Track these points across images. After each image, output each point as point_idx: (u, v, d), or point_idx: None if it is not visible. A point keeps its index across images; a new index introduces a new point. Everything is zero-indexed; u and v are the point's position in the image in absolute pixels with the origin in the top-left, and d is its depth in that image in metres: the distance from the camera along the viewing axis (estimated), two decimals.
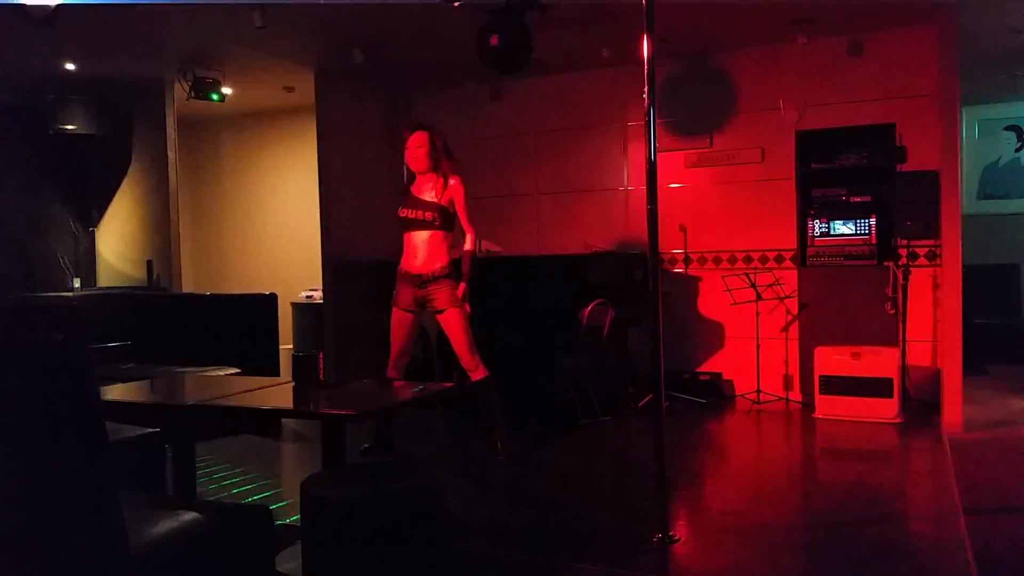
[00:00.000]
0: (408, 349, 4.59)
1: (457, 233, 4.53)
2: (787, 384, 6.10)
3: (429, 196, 4.43)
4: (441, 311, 4.42)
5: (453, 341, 4.47)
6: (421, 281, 4.43)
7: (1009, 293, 7.69)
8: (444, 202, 4.41)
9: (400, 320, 4.55)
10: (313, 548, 2.44)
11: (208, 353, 5.41)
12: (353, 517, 2.36)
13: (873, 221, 5.73)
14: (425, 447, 5.09)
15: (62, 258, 7.15)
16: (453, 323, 4.42)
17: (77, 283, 7.09)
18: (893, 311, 5.60)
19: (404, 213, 4.48)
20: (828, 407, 5.48)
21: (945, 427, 4.97)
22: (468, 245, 4.46)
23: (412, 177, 4.52)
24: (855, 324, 5.72)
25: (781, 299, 6.05)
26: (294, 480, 4.16)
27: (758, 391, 6.01)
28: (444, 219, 4.42)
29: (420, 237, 4.43)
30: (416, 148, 4.43)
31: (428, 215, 4.41)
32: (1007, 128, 7.93)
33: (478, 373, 4.46)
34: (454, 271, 4.44)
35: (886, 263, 5.65)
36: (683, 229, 6.42)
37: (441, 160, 4.45)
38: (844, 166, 5.86)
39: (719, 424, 5.67)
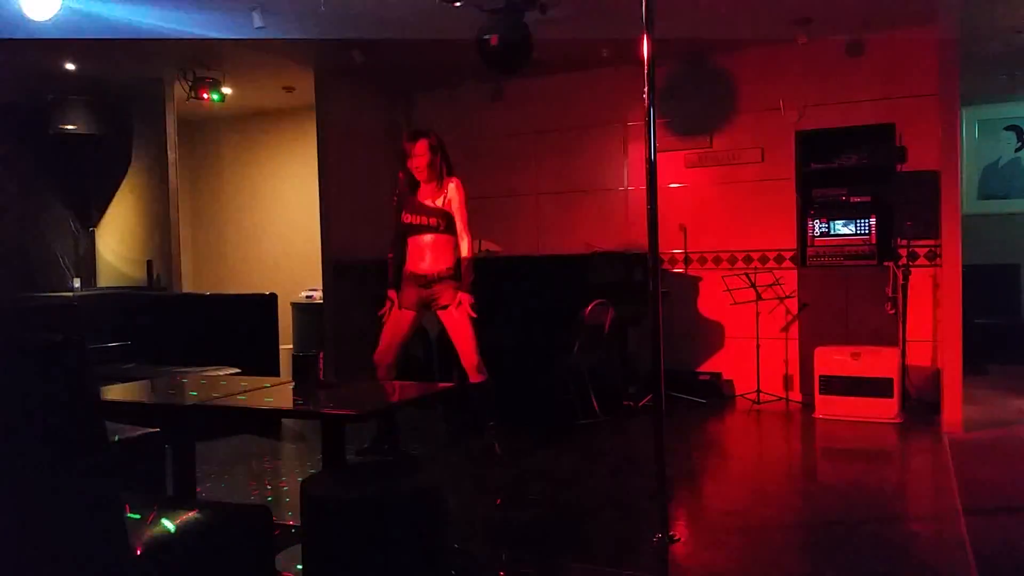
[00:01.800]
0: (396, 348, 4.57)
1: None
2: (787, 384, 6.10)
3: (432, 202, 4.49)
4: (445, 307, 4.47)
5: (458, 339, 4.48)
6: (427, 281, 4.49)
7: (1009, 293, 7.69)
8: (447, 207, 4.48)
9: (399, 317, 4.56)
10: (313, 548, 2.44)
11: (208, 353, 5.41)
12: (353, 517, 2.36)
13: (873, 221, 5.73)
14: (425, 447, 5.09)
15: (62, 258, 7.15)
16: (458, 319, 4.45)
17: (77, 283, 7.08)
18: (893, 311, 5.60)
19: (408, 219, 4.53)
20: (828, 407, 5.48)
21: (945, 427, 4.97)
22: (465, 251, 4.49)
23: (416, 184, 4.53)
24: (855, 324, 5.72)
25: (781, 299, 6.05)
26: (294, 480, 4.17)
27: (758, 391, 6.01)
28: (448, 223, 4.49)
29: (425, 240, 4.50)
30: (418, 157, 4.45)
31: (432, 220, 4.48)
32: (1007, 128, 7.93)
33: (480, 376, 4.47)
34: (458, 273, 4.49)
35: (886, 263, 5.65)
36: (683, 229, 6.42)
37: (443, 165, 4.50)
38: (844, 166, 5.86)
39: (719, 424, 5.67)
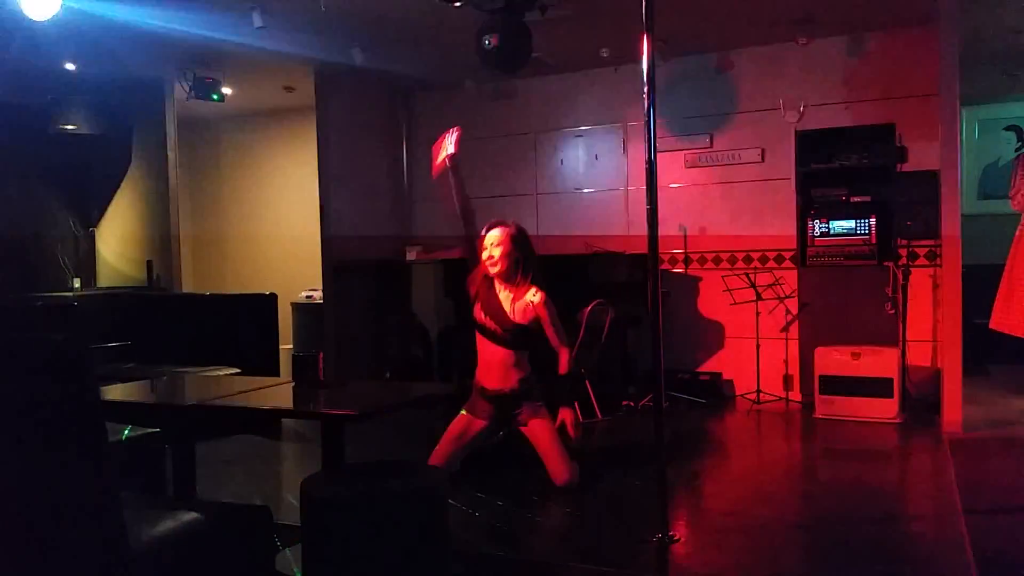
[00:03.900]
0: (456, 456, 4.03)
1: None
2: (787, 384, 6.10)
3: (509, 308, 3.92)
4: (524, 423, 4.01)
5: (543, 451, 3.96)
6: (499, 401, 4.00)
7: None
8: (525, 322, 3.90)
9: (468, 424, 4.05)
10: (313, 548, 2.44)
11: (208, 353, 5.41)
12: (353, 517, 2.36)
13: (873, 221, 5.73)
14: (424, 447, 5.07)
15: (62, 258, 7.15)
16: (540, 433, 3.96)
17: (77, 283, 7.09)
18: (893, 311, 5.60)
19: (480, 318, 3.95)
20: (828, 407, 5.48)
21: (945, 427, 4.96)
22: (563, 368, 3.95)
23: (490, 281, 3.97)
24: (855, 324, 5.72)
25: (781, 299, 6.05)
26: (294, 480, 4.16)
27: (758, 391, 6.01)
28: (522, 340, 3.94)
29: (490, 352, 3.96)
30: (494, 246, 3.89)
31: (503, 333, 3.91)
32: (1007, 128, 7.91)
33: (569, 475, 3.94)
34: (534, 383, 4.03)
35: (886, 263, 5.65)
36: (683, 229, 6.42)
37: (522, 266, 3.91)
38: (844, 166, 5.86)
39: (719, 424, 5.67)
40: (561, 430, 3.99)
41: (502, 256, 3.87)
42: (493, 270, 3.90)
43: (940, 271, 5.36)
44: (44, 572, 1.85)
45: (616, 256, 6.19)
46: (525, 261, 3.91)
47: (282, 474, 4.69)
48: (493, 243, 3.89)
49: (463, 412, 4.10)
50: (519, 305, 3.90)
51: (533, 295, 3.89)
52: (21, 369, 1.80)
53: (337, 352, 6.63)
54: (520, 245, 3.91)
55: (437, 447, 4.05)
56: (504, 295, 3.94)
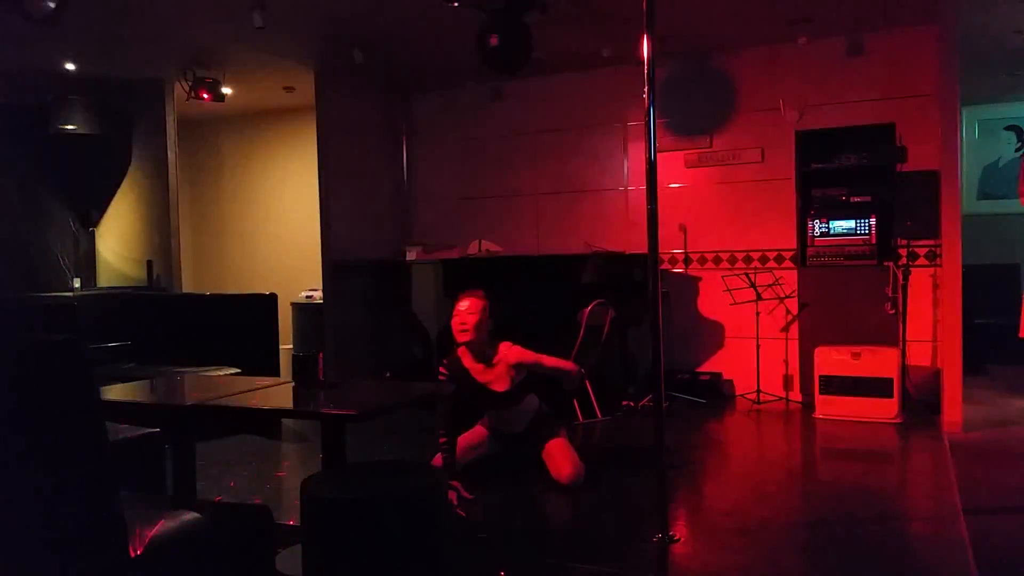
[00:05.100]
0: (470, 460, 4.15)
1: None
2: (787, 384, 6.10)
3: (497, 383, 4.05)
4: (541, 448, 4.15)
5: (552, 450, 4.08)
6: (513, 439, 4.22)
7: (1009, 293, 7.67)
8: (511, 386, 4.05)
9: (488, 442, 4.27)
10: (313, 548, 2.44)
11: (208, 353, 5.41)
12: (353, 517, 2.36)
13: (873, 221, 5.73)
14: (425, 447, 5.08)
15: (62, 258, 7.15)
16: (554, 450, 4.08)
17: (77, 283, 7.09)
18: (893, 311, 5.60)
19: (491, 422, 4.20)
20: (828, 407, 5.48)
21: (945, 427, 4.96)
22: (570, 386, 4.23)
23: (458, 359, 4.08)
24: (855, 324, 5.72)
25: (781, 299, 6.05)
26: (294, 480, 4.16)
27: (758, 391, 6.01)
28: (523, 389, 4.10)
29: (503, 411, 4.16)
30: (468, 315, 3.95)
31: (509, 401, 4.10)
32: (1007, 128, 7.93)
33: (574, 471, 4.00)
34: (545, 417, 4.20)
35: (886, 263, 5.65)
36: (683, 229, 6.42)
37: (489, 328, 4.02)
38: (844, 166, 5.86)
39: (719, 424, 5.67)
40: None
41: (473, 325, 3.94)
42: (463, 337, 3.96)
43: (940, 271, 5.36)
44: (44, 572, 1.85)
45: (616, 256, 6.19)
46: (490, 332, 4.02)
47: (282, 474, 4.68)
48: (466, 310, 3.97)
49: (482, 427, 4.25)
50: (504, 374, 4.03)
51: (506, 353, 4.02)
52: (21, 369, 1.80)
53: (337, 352, 6.63)
54: (489, 315, 4.00)
55: (449, 450, 4.02)
56: (485, 373, 4.05)
